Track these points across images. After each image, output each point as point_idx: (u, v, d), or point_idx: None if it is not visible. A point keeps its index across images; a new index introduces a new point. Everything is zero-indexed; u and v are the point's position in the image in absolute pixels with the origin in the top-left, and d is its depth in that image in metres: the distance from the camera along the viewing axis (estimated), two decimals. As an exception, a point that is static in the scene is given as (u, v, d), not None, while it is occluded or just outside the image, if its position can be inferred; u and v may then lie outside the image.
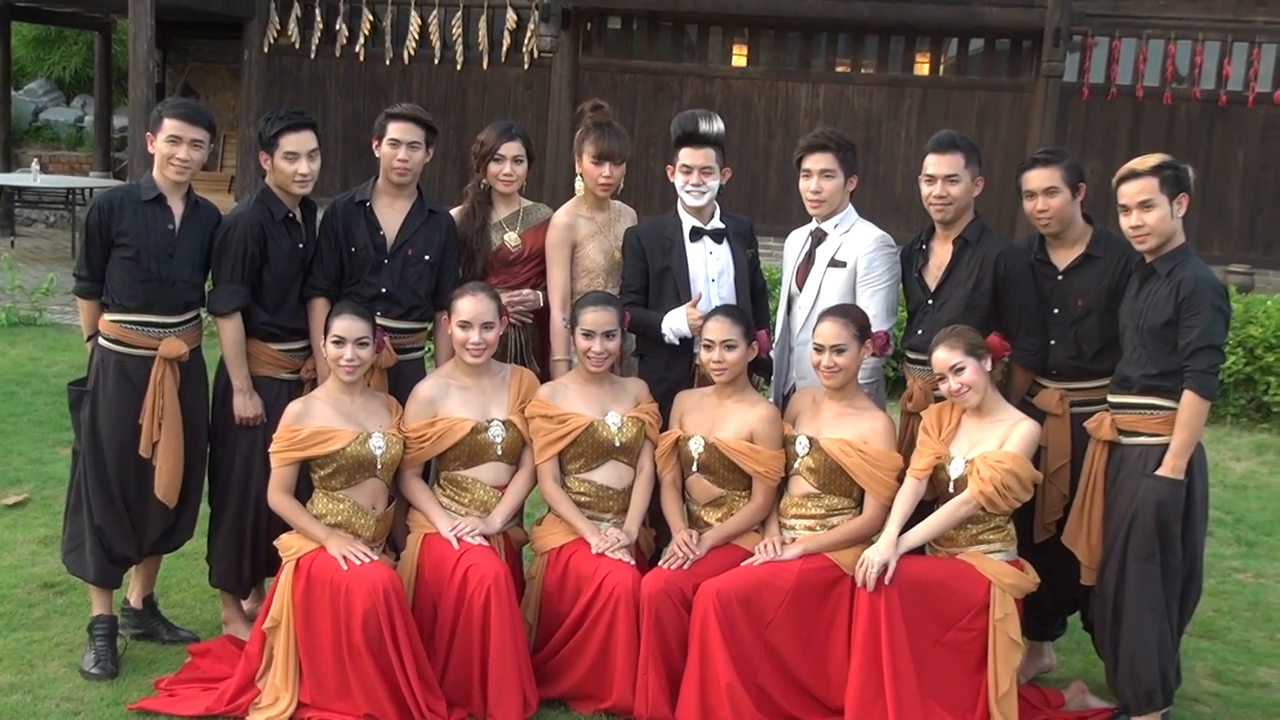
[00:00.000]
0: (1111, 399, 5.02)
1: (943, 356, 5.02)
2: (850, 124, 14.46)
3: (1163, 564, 4.84)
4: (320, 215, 5.62)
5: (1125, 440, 4.95)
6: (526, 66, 15.28)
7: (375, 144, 5.56)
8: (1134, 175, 4.88)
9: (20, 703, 4.97)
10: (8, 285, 12.32)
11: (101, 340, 5.32)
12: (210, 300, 5.39)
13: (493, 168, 5.77)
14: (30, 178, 16.20)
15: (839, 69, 15.32)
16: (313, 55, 15.57)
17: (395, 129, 5.52)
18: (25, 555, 6.47)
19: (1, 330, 11.84)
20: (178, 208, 5.31)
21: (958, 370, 4.99)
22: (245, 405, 5.39)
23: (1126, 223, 4.90)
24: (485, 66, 15.33)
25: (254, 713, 4.93)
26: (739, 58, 15.50)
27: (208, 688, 5.10)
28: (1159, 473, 4.80)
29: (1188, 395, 4.75)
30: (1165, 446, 4.82)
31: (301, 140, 5.36)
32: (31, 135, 20.90)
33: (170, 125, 5.21)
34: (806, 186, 5.52)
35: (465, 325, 5.24)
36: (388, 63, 15.45)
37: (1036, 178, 5.20)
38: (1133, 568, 4.85)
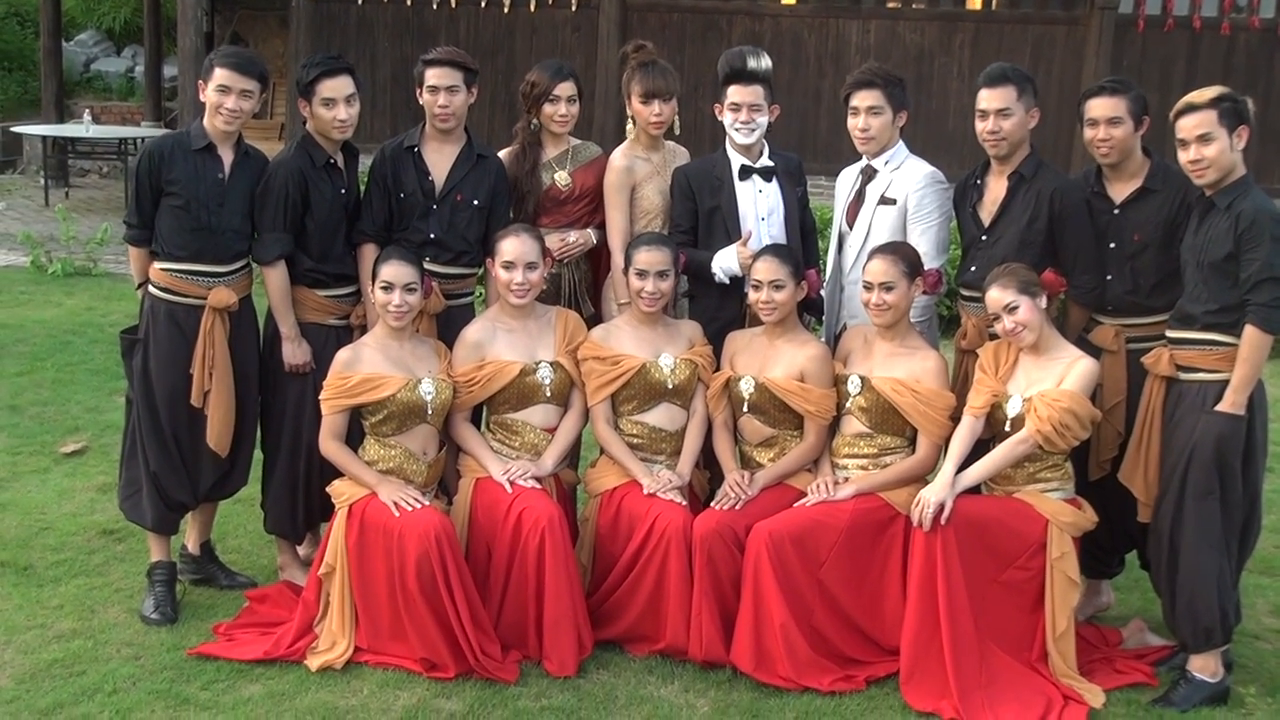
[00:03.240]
0: (1170, 334, 4.95)
1: (996, 296, 4.96)
2: (901, 60, 14.25)
3: (1222, 500, 4.78)
4: (370, 161, 5.61)
5: (1184, 376, 4.88)
6: (574, 8, 15.13)
7: (418, 91, 5.54)
8: (1191, 109, 4.78)
9: (82, 648, 5.04)
10: (63, 236, 12.41)
11: (152, 288, 5.35)
12: (254, 248, 5.40)
13: (547, 109, 5.72)
14: (82, 129, 16.24)
15: (890, 4, 15.08)
16: (360, 1, 15.51)
17: (432, 75, 5.48)
18: (84, 503, 6.54)
19: (57, 280, 11.93)
20: (227, 156, 5.31)
21: (1011, 309, 4.93)
22: (293, 352, 5.41)
23: (1185, 157, 4.81)
24: (533, 9, 15.20)
25: (311, 656, 4.98)
26: (788, -5, 15.35)
27: (265, 632, 5.16)
28: (1219, 408, 4.74)
29: (1249, 329, 4.67)
30: (1224, 383, 4.75)
31: (338, 85, 5.33)
32: (83, 86, 20.94)
33: (221, 75, 5.21)
34: (854, 124, 5.47)
35: (509, 266, 5.23)
36: (435, 7, 15.34)
37: (1100, 106, 5.11)
38: (1190, 504, 4.79)
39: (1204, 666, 4.92)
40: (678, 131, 5.80)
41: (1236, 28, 14.39)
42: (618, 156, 5.73)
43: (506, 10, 15.24)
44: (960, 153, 12.35)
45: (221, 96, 5.20)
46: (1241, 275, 4.68)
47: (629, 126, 5.78)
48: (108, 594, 5.53)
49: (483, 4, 15.34)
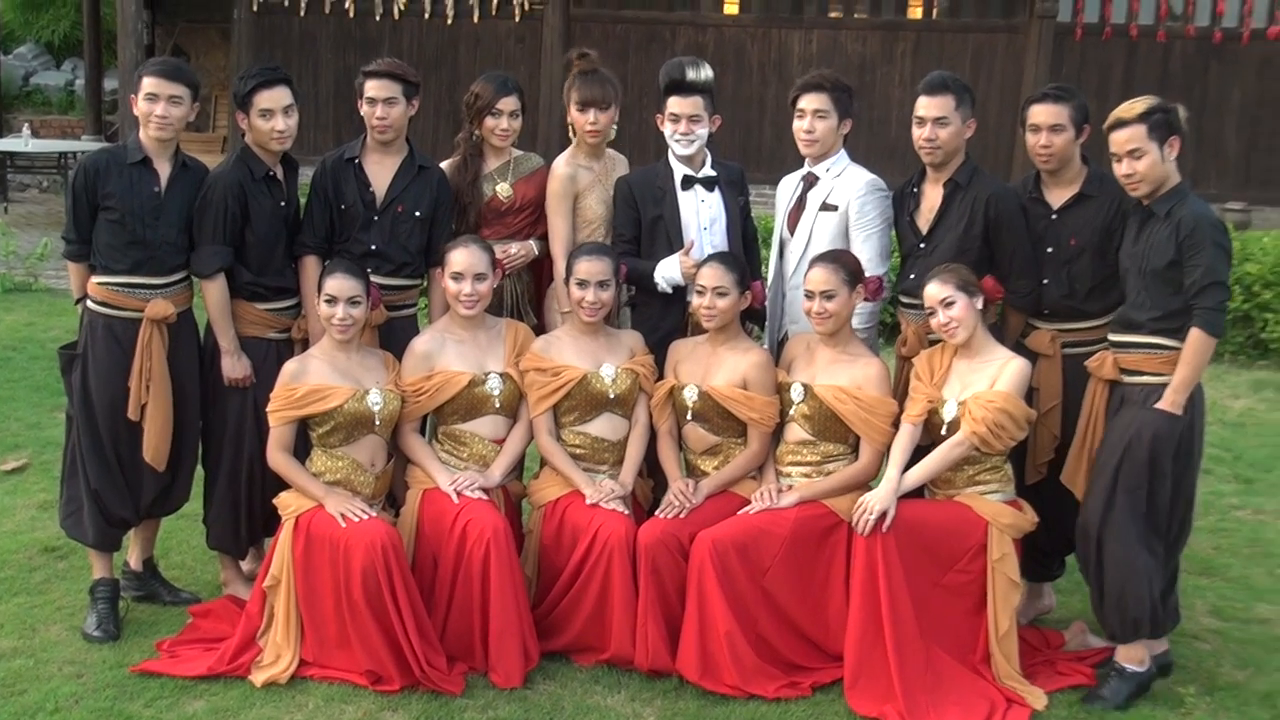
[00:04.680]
0: (1114, 339, 5.01)
1: (934, 291, 5.01)
2: (844, 70, 14.26)
3: (1150, 496, 4.84)
4: (312, 173, 5.59)
5: (1128, 379, 4.94)
6: (518, 19, 15.16)
7: (359, 103, 5.53)
8: (1121, 124, 4.84)
9: (23, 667, 4.99)
10: (2, 251, 12.26)
11: (90, 303, 5.31)
12: (193, 261, 5.36)
13: (489, 122, 5.72)
14: (21, 143, 16.09)
15: (832, 14, 15.18)
16: (302, 13, 15.43)
17: (371, 87, 5.47)
18: (25, 520, 6.47)
19: (-3, 296, 11.81)
20: (164, 169, 5.28)
21: (948, 304, 4.98)
22: (233, 366, 5.38)
23: (1119, 170, 4.88)
24: (476, 20, 15.22)
25: (256, 671, 4.95)
26: (731, 5, 15.38)
27: (209, 648, 5.12)
28: (1158, 406, 4.80)
29: (1194, 332, 4.73)
30: (1167, 386, 4.82)
31: (275, 96, 5.31)
32: (22, 100, 20.76)
33: (148, 83, 5.19)
34: (800, 126, 5.51)
35: (458, 277, 5.23)
36: (378, 18, 15.33)
37: (1043, 113, 5.17)
38: (1120, 498, 4.85)
39: (1131, 656, 4.98)
40: (612, 137, 5.81)
41: (1172, 35, 14.60)
42: (560, 165, 5.74)
43: (450, 22, 15.25)
44: (903, 161, 12.42)
45: (151, 105, 5.18)
46: (1185, 281, 4.74)
47: (570, 134, 5.79)
48: (49, 612, 5.48)
49: (426, 15, 15.34)
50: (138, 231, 5.20)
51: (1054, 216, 5.25)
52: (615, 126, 5.73)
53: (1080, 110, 5.17)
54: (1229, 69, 14.65)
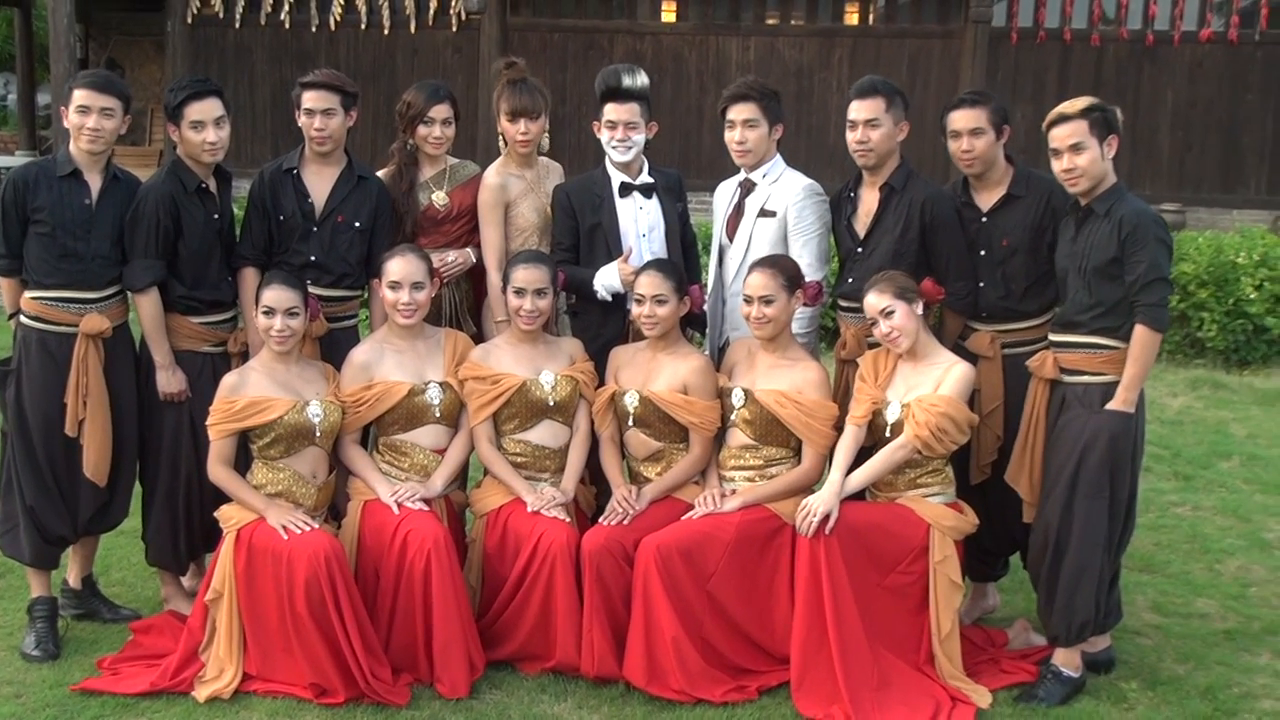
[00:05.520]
0: (1054, 338, 5.05)
1: (873, 301, 5.03)
2: (781, 76, 14.42)
3: (1111, 499, 4.88)
4: (250, 185, 5.55)
5: (1068, 379, 4.98)
6: (455, 29, 15.13)
7: (296, 114, 5.51)
8: (1063, 119, 4.89)
9: (-40, 688, 4.93)
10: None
11: (23, 318, 5.25)
12: (125, 275, 5.31)
13: (421, 130, 5.71)
14: (-46, 158, 15.96)
15: (769, 21, 15.26)
16: (237, 25, 15.35)
17: (309, 98, 5.46)
18: (-39, 540, 6.37)
19: (-70, 314, 11.64)
20: (95, 182, 5.24)
21: (888, 314, 5.01)
22: (168, 381, 5.34)
23: (1058, 166, 4.92)
24: (413, 30, 15.19)
25: (199, 686, 4.91)
26: (668, 13, 15.42)
27: (151, 664, 5.08)
28: (1110, 406, 4.84)
29: (1140, 329, 4.77)
30: (1108, 385, 4.86)
31: (206, 108, 5.28)
32: (-46, 116, 20.59)
33: (79, 95, 5.14)
34: (731, 137, 5.52)
35: (395, 286, 5.21)
36: (314, 30, 15.27)
37: (962, 118, 5.22)
38: (1080, 505, 4.88)
39: (1069, 660, 5.03)
40: (545, 149, 5.80)
41: (1106, 39, 14.76)
42: (491, 174, 5.74)
43: (387, 32, 15.21)
44: (842, 167, 12.43)
45: (82, 117, 5.14)
46: (1128, 278, 4.78)
47: (501, 143, 5.78)
48: (-13, 632, 5.42)
49: (363, 26, 15.29)
50: (69, 245, 5.16)
51: (984, 219, 5.30)
52: (547, 135, 5.73)
53: (998, 113, 5.23)
54: (1162, 72, 14.84)
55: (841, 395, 5.34)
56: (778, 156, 5.58)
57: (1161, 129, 14.87)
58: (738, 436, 5.25)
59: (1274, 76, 14.73)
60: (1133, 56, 14.82)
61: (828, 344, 7.16)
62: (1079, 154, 4.85)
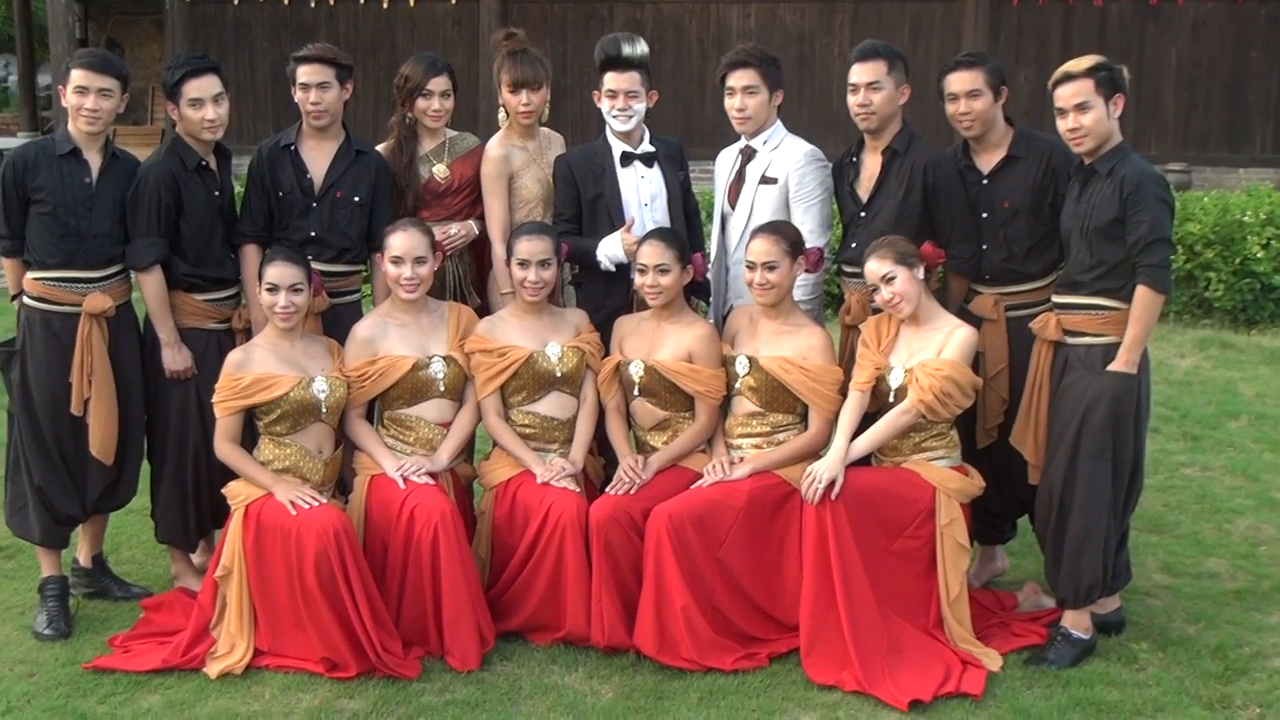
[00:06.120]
0: (1057, 300, 5.04)
1: (874, 267, 5.02)
2: (783, 43, 14.36)
3: (1114, 460, 4.88)
4: (249, 161, 5.54)
5: (1071, 340, 4.97)
6: (454, 2, 15.09)
7: (292, 89, 5.50)
8: (1069, 78, 4.87)
9: (-27, 668, 4.95)
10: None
11: (26, 299, 5.26)
12: (128, 254, 5.31)
13: (420, 103, 5.69)
14: (-45, 141, 15.93)
15: (770, -13, 15.22)
16: (236, 1, 15.31)
17: (304, 72, 5.46)
18: (-30, 521, 6.40)
19: (-65, 297, 11.66)
20: (95, 160, 5.23)
21: (889, 280, 5.00)
22: (173, 358, 5.35)
23: (1064, 125, 4.90)
24: (412, 3, 15.12)
25: (211, 662, 4.93)
26: (668, -18, 15.39)
27: (163, 641, 5.10)
28: (1112, 367, 4.83)
29: (1141, 289, 4.76)
30: (1111, 346, 4.85)
31: (204, 85, 5.27)
32: (-46, 98, 20.57)
33: (77, 75, 5.14)
34: (731, 104, 5.51)
35: (397, 260, 5.21)
36: (313, 5, 15.21)
37: (959, 80, 5.21)
38: (1083, 465, 4.88)
39: (1078, 622, 5.03)
40: (546, 119, 5.79)
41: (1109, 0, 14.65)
42: (493, 146, 5.72)
43: (386, 6, 15.15)
44: (844, 133, 12.37)
45: (80, 98, 5.13)
46: (1129, 238, 4.77)
47: (500, 115, 5.76)
48: (-1, 612, 5.43)
49: (361, 0, 15.22)
50: (70, 224, 5.16)
51: (985, 182, 5.29)
52: (548, 105, 5.71)
53: (995, 73, 5.21)
54: (1166, 31, 14.73)
55: (846, 360, 5.33)
56: (778, 123, 5.56)
57: (1166, 89, 14.77)
58: (744, 404, 5.25)
59: (1278, 34, 14.63)
60: (1136, 16, 14.71)
61: (833, 310, 7.15)
62: (1084, 113, 4.83)
